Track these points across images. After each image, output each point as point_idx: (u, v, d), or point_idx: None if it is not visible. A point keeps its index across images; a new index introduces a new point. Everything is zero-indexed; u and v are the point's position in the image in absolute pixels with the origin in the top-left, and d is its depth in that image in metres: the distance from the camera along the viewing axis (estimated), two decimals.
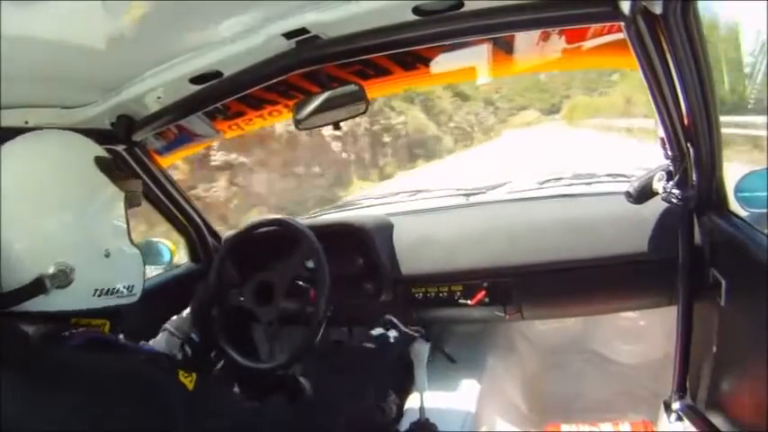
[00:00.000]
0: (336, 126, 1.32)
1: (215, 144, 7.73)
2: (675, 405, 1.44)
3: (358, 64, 1.33)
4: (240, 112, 1.54)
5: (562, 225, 1.58)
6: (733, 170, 1.27)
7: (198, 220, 1.84)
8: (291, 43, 1.11)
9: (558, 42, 1.19)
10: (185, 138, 1.66)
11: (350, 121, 1.39)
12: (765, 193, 1.21)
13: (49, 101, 1.25)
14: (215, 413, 0.85)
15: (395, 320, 1.39)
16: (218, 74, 1.21)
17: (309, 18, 1.04)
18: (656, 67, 1.01)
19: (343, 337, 1.79)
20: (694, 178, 1.24)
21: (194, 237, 1.86)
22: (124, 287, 0.93)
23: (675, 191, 1.27)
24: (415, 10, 1.01)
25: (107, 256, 0.90)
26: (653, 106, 1.13)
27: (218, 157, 8.92)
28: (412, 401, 1.56)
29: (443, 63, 1.30)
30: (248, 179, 9.61)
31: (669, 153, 1.26)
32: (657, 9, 0.85)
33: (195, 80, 1.23)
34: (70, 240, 0.86)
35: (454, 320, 1.86)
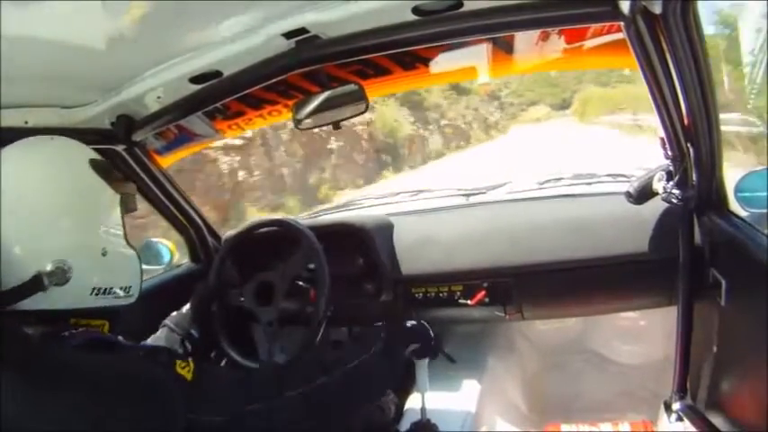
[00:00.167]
0: (336, 126, 1.32)
1: None
2: (675, 405, 1.44)
3: (358, 64, 1.33)
4: (240, 112, 1.54)
5: (562, 225, 1.58)
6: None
7: (198, 220, 1.84)
8: (291, 43, 1.11)
9: (557, 42, 1.19)
10: (185, 138, 1.66)
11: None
12: (765, 193, 1.21)
13: (49, 101, 1.25)
14: (215, 402, 0.86)
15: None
16: (217, 74, 1.21)
17: (309, 18, 1.04)
18: (656, 67, 1.01)
19: (342, 337, 1.79)
20: (694, 178, 1.24)
21: (194, 237, 1.86)
22: (121, 288, 0.95)
23: (675, 191, 1.27)
24: (415, 10, 1.01)
25: (104, 254, 0.91)
26: (653, 106, 1.13)
27: None
28: (412, 401, 1.57)
29: (443, 63, 1.30)
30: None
31: (669, 153, 1.26)
32: (657, 9, 0.85)
33: (195, 80, 1.23)
34: (67, 239, 0.87)
35: (454, 320, 1.86)
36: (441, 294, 1.66)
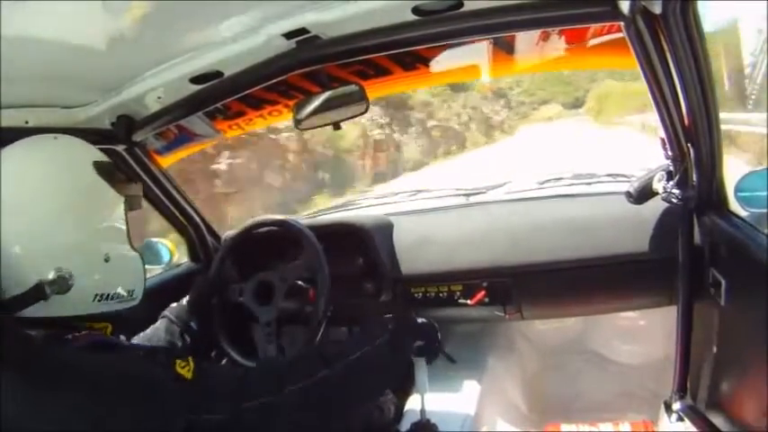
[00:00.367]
0: (336, 126, 1.32)
1: None
2: (676, 405, 1.44)
3: (358, 64, 1.33)
4: (240, 112, 1.54)
5: (562, 225, 1.58)
6: None
7: (197, 219, 1.84)
8: (291, 43, 1.11)
9: (558, 42, 1.19)
10: (185, 138, 1.66)
11: None
12: (765, 193, 1.21)
13: (50, 101, 1.25)
14: (215, 401, 0.85)
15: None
16: (218, 74, 1.21)
17: (309, 18, 1.04)
18: (656, 66, 1.01)
19: (342, 337, 1.79)
20: (694, 178, 1.24)
21: (194, 236, 1.86)
22: (125, 291, 0.94)
23: (675, 191, 1.27)
24: (415, 10, 1.01)
25: (107, 260, 0.90)
26: (653, 106, 1.13)
27: None
28: (412, 402, 1.56)
29: (443, 63, 1.30)
30: None
31: (669, 153, 1.26)
32: (657, 9, 0.85)
33: (195, 80, 1.23)
34: (69, 246, 0.86)
35: (454, 320, 1.86)
36: (440, 294, 1.66)
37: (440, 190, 2.03)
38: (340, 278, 1.55)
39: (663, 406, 1.50)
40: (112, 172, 0.94)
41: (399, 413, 1.54)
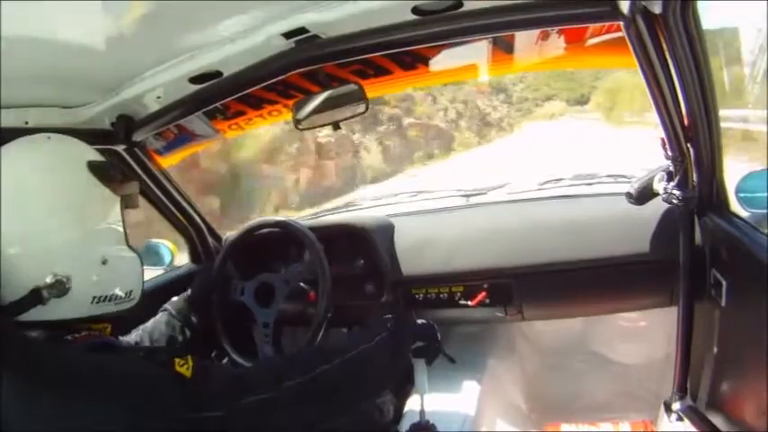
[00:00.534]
0: (336, 126, 1.32)
1: None
2: (676, 405, 1.44)
3: (357, 63, 1.33)
4: (240, 112, 1.54)
5: (563, 226, 1.58)
6: None
7: (198, 220, 1.84)
8: (291, 43, 1.11)
9: (557, 41, 1.19)
10: (185, 137, 1.66)
11: None
12: (766, 194, 1.21)
13: (49, 101, 1.25)
14: (215, 398, 0.84)
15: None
16: (217, 73, 1.21)
17: (309, 18, 1.04)
18: (656, 66, 1.00)
19: (342, 338, 1.79)
20: (695, 179, 1.24)
21: (195, 237, 1.86)
22: (122, 293, 0.93)
23: (676, 191, 1.27)
24: (415, 10, 1.01)
25: (104, 263, 0.89)
26: (653, 106, 1.13)
27: None
28: (412, 403, 1.56)
29: (443, 63, 1.30)
30: None
31: (669, 153, 1.26)
32: (657, 9, 0.85)
33: (195, 80, 1.23)
34: (66, 249, 0.85)
35: (455, 321, 1.86)
36: (441, 295, 1.66)
37: (440, 191, 2.03)
38: (341, 279, 1.55)
39: (663, 406, 1.50)
40: (108, 171, 0.93)
41: (399, 414, 1.54)
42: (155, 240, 1.85)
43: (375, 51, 1.15)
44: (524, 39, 1.21)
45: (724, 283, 1.17)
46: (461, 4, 0.99)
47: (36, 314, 0.83)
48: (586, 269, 1.53)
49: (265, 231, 1.64)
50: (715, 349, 1.25)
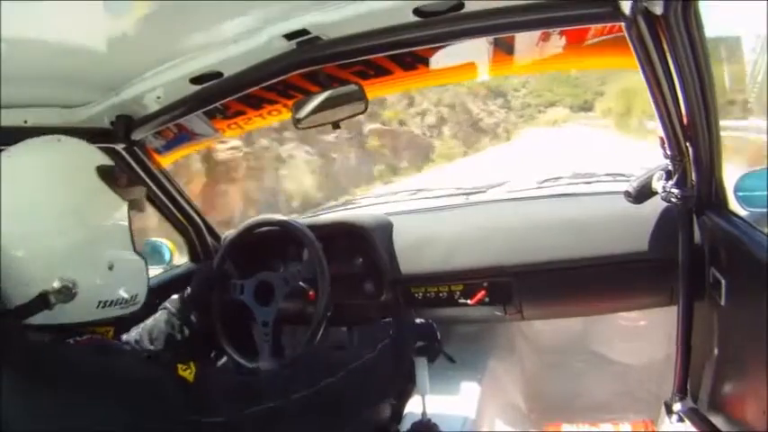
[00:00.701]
0: (336, 126, 1.32)
1: None
2: (676, 405, 1.45)
3: (358, 64, 1.32)
4: (240, 112, 1.54)
5: (562, 224, 1.58)
6: None
7: (197, 219, 1.84)
8: (292, 44, 1.11)
9: (558, 42, 1.19)
10: (185, 137, 1.66)
11: None
12: (765, 193, 1.21)
13: (49, 100, 1.25)
14: (218, 404, 0.85)
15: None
16: (218, 74, 1.21)
17: (310, 19, 1.04)
18: (657, 67, 1.01)
19: (342, 337, 1.79)
20: (694, 177, 1.24)
21: (194, 236, 1.86)
22: (128, 296, 0.93)
23: (675, 190, 1.27)
24: (416, 11, 1.01)
25: (110, 268, 0.89)
26: (652, 106, 1.13)
27: None
28: (413, 402, 1.57)
29: (443, 63, 1.30)
30: None
31: (668, 152, 1.26)
32: (658, 10, 0.85)
33: (195, 80, 1.23)
34: (73, 254, 0.85)
35: (454, 320, 1.86)
36: (440, 294, 1.66)
37: (440, 189, 2.03)
38: (340, 278, 1.55)
39: (663, 406, 1.51)
40: (116, 176, 0.93)
41: (400, 414, 1.54)
42: (154, 239, 1.85)
43: (376, 53, 1.15)
44: (525, 39, 1.21)
45: (723, 282, 1.18)
46: (463, 6, 0.99)
47: (42, 318, 0.83)
48: (586, 268, 1.53)
49: (264, 230, 1.64)
50: (715, 349, 1.25)
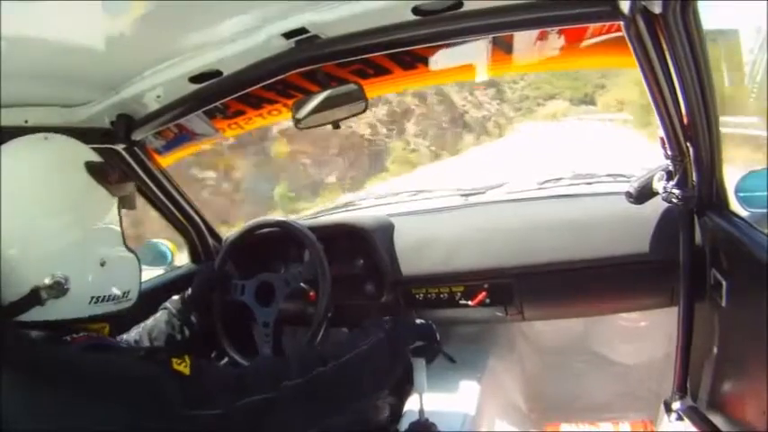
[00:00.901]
0: (336, 125, 1.32)
1: None
2: (676, 405, 1.44)
3: (357, 63, 1.33)
4: (240, 111, 1.54)
5: (563, 225, 1.58)
6: None
7: (198, 220, 1.84)
8: (291, 43, 1.11)
9: (557, 41, 1.19)
10: (185, 137, 1.66)
11: None
12: (765, 193, 1.20)
13: (49, 99, 1.25)
14: (214, 396, 0.85)
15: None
16: (217, 73, 1.21)
17: (309, 18, 1.04)
18: (656, 66, 1.00)
19: (342, 338, 1.79)
20: (694, 178, 1.24)
21: (194, 237, 1.86)
22: (120, 292, 0.93)
23: (676, 191, 1.27)
24: (415, 10, 1.01)
25: (102, 263, 0.90)
26: (652, 106, 1.13)
27: None
28: (411, 402, 1.56)
29: (443, 62, 1.30)
30: None
31: (669, 152, 1.26)
32: (657, 9, 0.85)
33: (195, 79, 1.23)
34: (64, 250, 0.85)
35: (455, 321, 1.86)
36: (441, 295, 1.66)
37: (440, 190, 2.03)
38: (340, 279, 1.55)
39: (663, 406, 1.50)
40: (105, 172, 0.93)
41: (398, 413, 1.54)
42: (154, 240, 1.85)
43: (375, 51, 1.15)
44: (523, 38, 1.21)
45: (724, 282, 1.17)
46: (461, 5, 0.99)
47: (35, 314, 0.83)
48: (587, 269, 1.53)
49: (265, 231, 1.64)
50: (715, 349, 1.25)
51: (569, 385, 2.02)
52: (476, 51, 1.25)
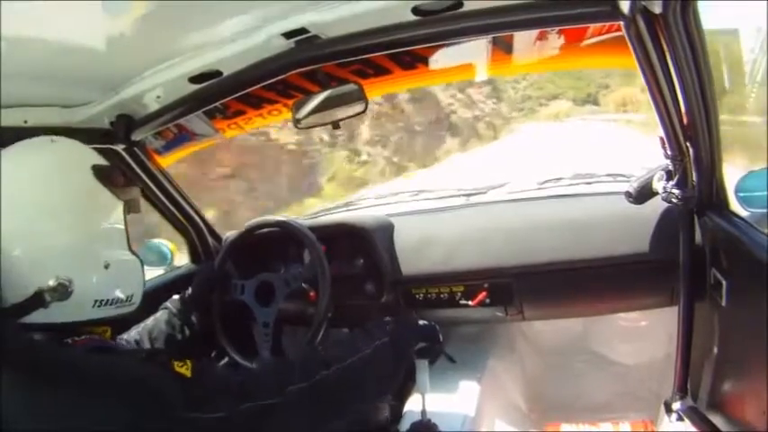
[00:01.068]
0: (336, 125, 1.32)
1: None
2: (676, 405, 1.44)
3: (357, 63, 1.33)
4: (240, 112, 1.54)
5: (563, 225, 1.58)
6: None
7: (198, 220, 1.84)
8: (291, 43, 1.11)
9: (557, 41, 1.19)
10: (185, 137, 1.66)
11: None
12: (765, 193, 1.20)
13: (49, 100, 1.25)
14: (216, 399, 0.85)
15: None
16: (217, 73, 1.21)
17: (309, 18, 1.04)
18: (656, 66, 1.00)
19: (343, 338, 1.79)
20: (694, 178, 1.24)
21: (194, 237, 1.86)
22: (123, 296, 0.93)
23: (675, 191, 1.27)
24: (415, 10, 1.01)
25: (106, 267, 0.90)
26: (652, 106, 1.13)
27: None
28: (413, 402, 1.56)
29: (442, 62, 1.30)
30: None
31: (669, 152, 1.26)
32: (657, 8, 0.85)
33: (195, 79, 1.23)
34: (69, 253, 0.85)
35: (455, 321, 1.86)
36: (441, 295, 1.66)
37: (440, 190, 2.03)
38: (341, 279, 1.55)
39: (663, 406, 1.50)
40: (111, 176, 0.93)
41: (399, 413, 1.54)
42: (154, 240, 1.85)
43: (375, 51, 1.15)
44: (523, 38, 1.21)
45: (724, 282, 1.17)
46: (461, 5, 0.99)
47: (38, 317, 0.83)
48: (587, 269, 1.53)
49: (265, 231, 1.64)
50: (715, 349, 1.25)
51: (569, 385, 2.02)
52: (476, 51, 1.25)
